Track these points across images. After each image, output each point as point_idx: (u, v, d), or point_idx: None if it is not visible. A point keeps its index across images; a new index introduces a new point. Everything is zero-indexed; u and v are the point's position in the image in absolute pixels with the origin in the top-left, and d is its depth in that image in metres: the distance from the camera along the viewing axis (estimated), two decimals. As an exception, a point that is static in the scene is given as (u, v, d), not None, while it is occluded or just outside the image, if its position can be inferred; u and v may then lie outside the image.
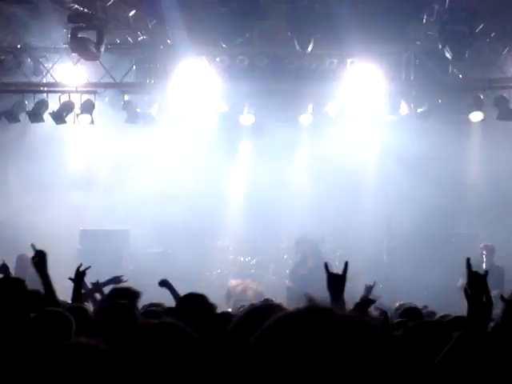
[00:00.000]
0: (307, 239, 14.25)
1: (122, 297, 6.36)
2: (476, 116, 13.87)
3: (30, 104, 14.44)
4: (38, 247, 6.30)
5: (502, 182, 15.42)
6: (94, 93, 14.19)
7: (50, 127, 14.74)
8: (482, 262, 12.46)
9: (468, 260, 4.16)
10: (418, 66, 13.45)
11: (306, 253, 14.05)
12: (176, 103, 14.54)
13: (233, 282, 14.14)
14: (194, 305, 5.34)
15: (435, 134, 14.70)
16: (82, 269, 6.84)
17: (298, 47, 11.96)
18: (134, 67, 14.00)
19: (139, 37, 13.46)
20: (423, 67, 13.46)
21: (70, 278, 6.83)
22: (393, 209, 15.22)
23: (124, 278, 8.31)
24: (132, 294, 6.59)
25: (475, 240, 15.34)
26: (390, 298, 11.04)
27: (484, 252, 12.61)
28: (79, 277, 6.79)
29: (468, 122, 14.41)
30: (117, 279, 8.28)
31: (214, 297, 5.98)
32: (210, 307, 5.45)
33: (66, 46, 13.06)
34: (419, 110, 13.94)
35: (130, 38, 13.61)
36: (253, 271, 15.23)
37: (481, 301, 3.83)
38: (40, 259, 6.13)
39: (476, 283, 3.92)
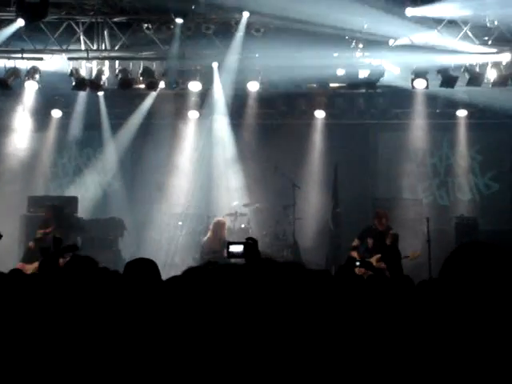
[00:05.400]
0: None
1: (84, 264, 6.41)
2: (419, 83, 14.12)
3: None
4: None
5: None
6: (41, 59, 14.09)
7: None
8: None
9: (381, 234, 4.42)
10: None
11: None
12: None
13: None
14: (142, 270, 5.34)
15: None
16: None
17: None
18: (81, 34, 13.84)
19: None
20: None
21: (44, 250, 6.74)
22: (338, 174, 15.47)
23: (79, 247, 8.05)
24: (93, 263, 6.59)
25: (420, 205, 15.74)
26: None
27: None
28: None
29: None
30: (73, 247, 7.87)
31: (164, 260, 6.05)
32: (158, 272, 5.52)
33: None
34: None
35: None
36: (201, 237, 15.38)
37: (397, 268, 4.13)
38: None
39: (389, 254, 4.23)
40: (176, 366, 3.41)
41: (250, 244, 4.62)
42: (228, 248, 4.81)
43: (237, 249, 4.76)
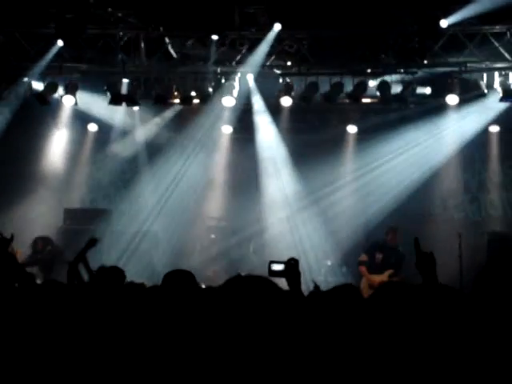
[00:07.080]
0: None
1: (110, 275, 6.59)
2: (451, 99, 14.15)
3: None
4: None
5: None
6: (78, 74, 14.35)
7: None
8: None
9: (416, 239, 4.42)
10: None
11: None
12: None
13: None
14: (180, 282, 5.41)
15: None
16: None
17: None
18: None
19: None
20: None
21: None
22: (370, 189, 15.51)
23: (98, 238, 7.88)
24: (119, 273, 6.76)
25: (452, 221, 15.70)
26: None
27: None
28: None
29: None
30: (93, 241, 7.75)
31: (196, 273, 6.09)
32: (196, 284, 5.55)
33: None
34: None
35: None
36: (234, 251, 15.49)
37: (432, 275, 4.17)
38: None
39: (424, 261, 4.24)
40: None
41: (291, 264, 4.69)
42: (270, 267, 4.85)
43: (278, 267, 4.82)
